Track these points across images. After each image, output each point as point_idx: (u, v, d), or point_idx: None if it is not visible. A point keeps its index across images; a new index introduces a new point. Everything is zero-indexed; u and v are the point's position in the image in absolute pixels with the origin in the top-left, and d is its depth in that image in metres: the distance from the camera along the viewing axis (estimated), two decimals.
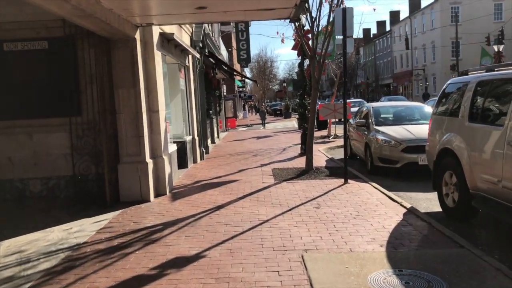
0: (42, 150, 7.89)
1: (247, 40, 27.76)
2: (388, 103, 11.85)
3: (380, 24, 77.70)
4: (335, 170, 10.10)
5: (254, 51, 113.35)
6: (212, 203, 7.25)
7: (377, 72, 70.79)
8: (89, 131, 7.79)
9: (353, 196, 7.28)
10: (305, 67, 13.63)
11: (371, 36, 79.07)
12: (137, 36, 7.51)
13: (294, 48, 13.09)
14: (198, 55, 12.33)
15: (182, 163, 11.14)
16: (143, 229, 5.91)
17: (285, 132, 24.02)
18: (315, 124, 13.79)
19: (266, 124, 27.39)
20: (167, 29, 8.95)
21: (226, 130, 27.04)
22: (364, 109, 12.07)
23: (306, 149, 9.93)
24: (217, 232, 5.58)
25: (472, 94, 5.84)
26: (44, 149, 7.88)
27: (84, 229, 6.03)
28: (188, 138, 11.66)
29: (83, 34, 7.52)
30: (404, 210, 6.29)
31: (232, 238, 5.29)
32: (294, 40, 13.17)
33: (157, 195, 7.97)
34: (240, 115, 50.21)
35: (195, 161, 12.25)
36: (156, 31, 8.16)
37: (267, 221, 5.98)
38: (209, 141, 16.32)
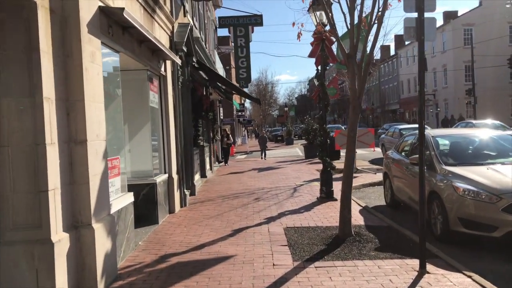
0: None
1: (247, 57, 24.45)
2: (453, 130, 8.26)
3: (384, 49, 75.21)
4: (385, 234, 6.44)
5: (254, 75, 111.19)
6: None
7: (382, 97, 67.80)
8: None
9: None
10: (326, 81, 10.13)
11: (374, 61, 76.52)
12: (42, 1, 3.98)
13: (312, 54, 9.62)
14: (179, 61, 8.84)
15: (148, 218, 7.48)
16: None
17: (290, 162, 20.37)
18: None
19: (266, 152, 23.07)
20: (117, 1, 5.45)
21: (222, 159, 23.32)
22: (413, 139, 8.49)
23: (342, 201, 6.28)
24: None
25: None
26: None
27: None
28: (161, 178, 8.01)
29: None
30: None
31: None
32: (312, 44, 9.74)
33: None
34: (239, 140, 46.77)
35: (171, 211, 8.56)
36: (90, 1, 4.65)
37: None
38: (197, 176, 12.67)
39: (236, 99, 39.65)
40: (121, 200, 5.62)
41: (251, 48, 24.55)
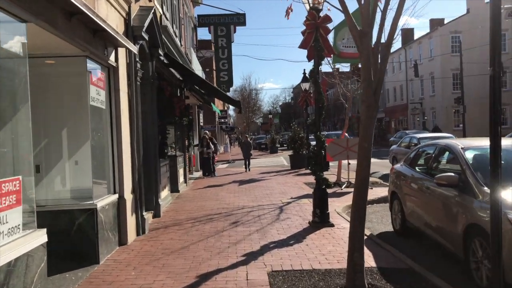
0: None
1: (229, 59, 22.60)
2: (488, 141, 6.53)
3: None
4: (408, 284, 4.61)
5: (237, 81, 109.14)
6: None
7: None
8: None
9: None
10: (320, 79, 8.33)
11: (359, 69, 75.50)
12: None
13: (303, 45, 7.82)
14: (135, 49, 6.91)
15: (86, 255, 5.51)
16: None
17: (275, 173, 18.46)
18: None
19: (250, 161, 20.91)
20: None
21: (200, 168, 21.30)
22: (432, 152, 6.75)
23: (351, 241, 4.41)
24: None
25: None
26: None
27: None
28: (107, 201, 6.04)
29: None
30: None
31: None
32: (303, 33, 7.95)
33: None
34: (221, 148, 44.80)
35: (123, 242, 6.58)
36: None
37: None
38: (165, 192, 10.69)
39: (218, 105, 37.74)
40: (20, 244, 3.66)
41: (233, 50, 22.82)
